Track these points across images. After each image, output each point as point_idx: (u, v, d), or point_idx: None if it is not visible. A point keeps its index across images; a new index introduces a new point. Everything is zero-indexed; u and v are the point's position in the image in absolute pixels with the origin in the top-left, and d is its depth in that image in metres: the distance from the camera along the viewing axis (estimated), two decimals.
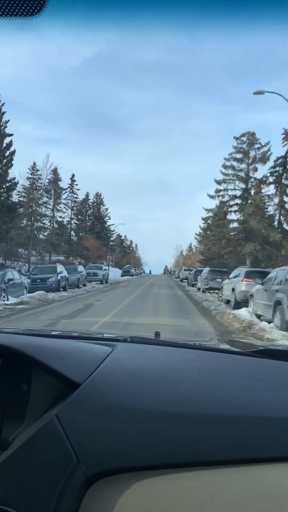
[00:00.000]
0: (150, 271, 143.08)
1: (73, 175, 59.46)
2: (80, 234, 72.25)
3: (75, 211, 58.70)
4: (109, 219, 78.97)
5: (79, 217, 77.51)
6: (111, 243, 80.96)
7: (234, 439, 0.67)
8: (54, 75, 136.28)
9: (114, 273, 62.20)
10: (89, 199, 78.97)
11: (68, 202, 58.74)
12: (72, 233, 56.95)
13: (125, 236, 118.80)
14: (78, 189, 60.77)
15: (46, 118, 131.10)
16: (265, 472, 0.64)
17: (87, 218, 77.50)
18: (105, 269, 33.69)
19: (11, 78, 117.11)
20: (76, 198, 59.90)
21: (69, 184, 59.71)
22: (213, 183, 37.37)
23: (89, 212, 78.27)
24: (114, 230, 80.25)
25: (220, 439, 0.67)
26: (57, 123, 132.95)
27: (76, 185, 60.07)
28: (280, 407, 0.74)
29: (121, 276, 56.61)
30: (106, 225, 78.59)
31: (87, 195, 78.36)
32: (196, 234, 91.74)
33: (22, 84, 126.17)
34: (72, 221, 58.60)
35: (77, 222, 77.71)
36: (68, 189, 59.30)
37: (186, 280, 40.34)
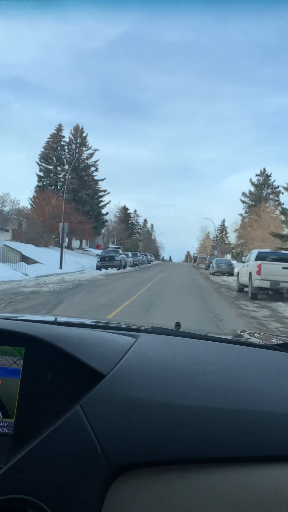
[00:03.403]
0: (170, 257, 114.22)
1: None
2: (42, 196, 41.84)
3: None
4: (97, 171, 47.22)
5: (44, 165, 46.44)
6: (101, 211, 49.24)
7: (264, 436, 0.66)
8: (77, 57, 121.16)
9: (88, 261, 31.20)
10: (63, 136, 47.25)
11: None
12: None
13: (135, 211, 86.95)
14: None
15: (68, 101, 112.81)
16: None
17: (58, 169, 46.30)
18: None
19: (34, 61, 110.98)
20: None
21: None
22: None
23: (63, 158, 46.70)
24: (106, 191, 48.50)
25: (249, 435, 0.65)
26: (79, 106, 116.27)
27: None
28: None
29: (97, 268, 25.88)
30: (92, 181, 46.65)
31: (58, 128, 46.88)
32: (244, 194, 59.80)
33: (45, 66, 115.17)
34: None
35: (40, 174, 46.56)
36: None
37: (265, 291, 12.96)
